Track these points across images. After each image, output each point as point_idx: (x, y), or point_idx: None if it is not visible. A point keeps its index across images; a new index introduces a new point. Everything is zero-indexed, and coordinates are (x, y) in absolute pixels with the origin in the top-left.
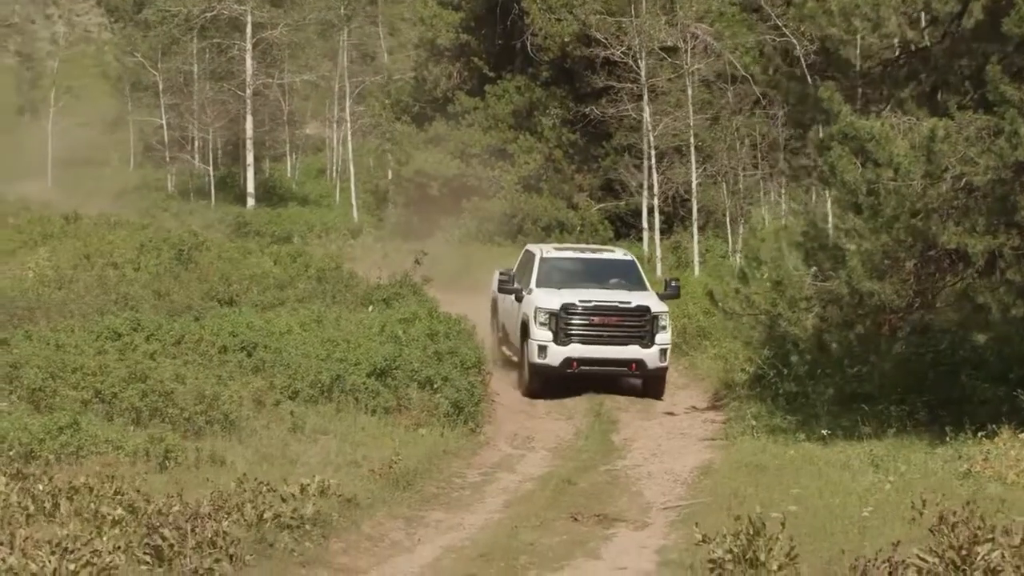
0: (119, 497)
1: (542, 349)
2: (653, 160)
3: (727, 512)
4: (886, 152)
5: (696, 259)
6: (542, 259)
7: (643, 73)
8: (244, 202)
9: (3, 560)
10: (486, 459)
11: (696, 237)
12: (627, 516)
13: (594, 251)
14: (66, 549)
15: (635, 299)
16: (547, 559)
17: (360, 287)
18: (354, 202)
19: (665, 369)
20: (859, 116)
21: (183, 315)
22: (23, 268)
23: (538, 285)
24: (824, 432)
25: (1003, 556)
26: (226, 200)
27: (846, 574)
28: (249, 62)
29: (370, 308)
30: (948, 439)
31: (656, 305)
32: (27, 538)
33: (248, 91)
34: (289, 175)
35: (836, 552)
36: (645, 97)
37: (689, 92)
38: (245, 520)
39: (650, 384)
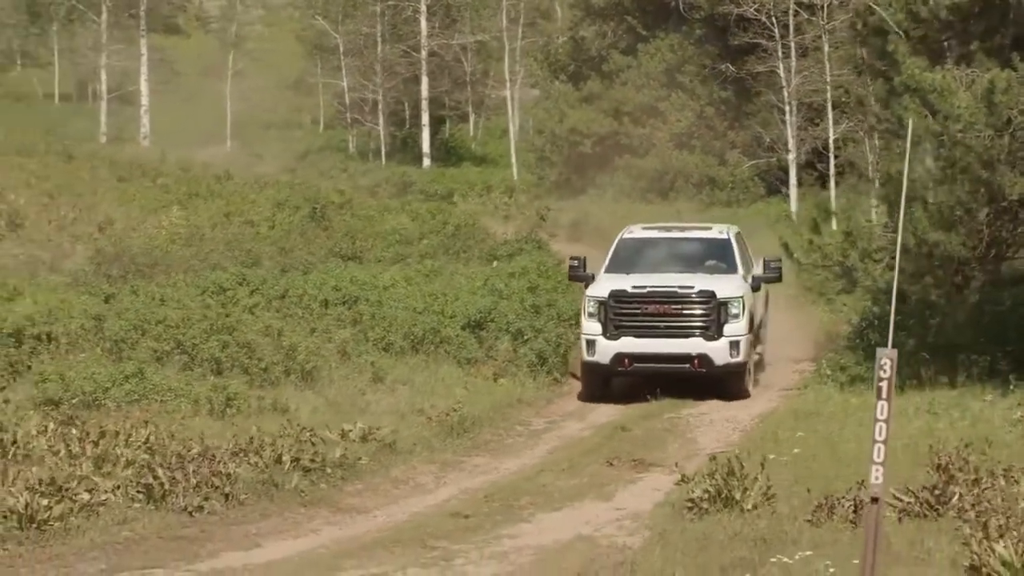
0: (148, 442)
1: (590, 344)
2: (793, 116)
3: (758, 457)
4: (948, 104)
5: (834, 216)
6: (620, 240)
7: (776, 30)
8: (421, 162)
9: None
10: (559, 408)
11: (833, 193)
12: (666, 461)
13: (683, 229)
14: (60, 487)
15: (702, 283)
16: (551, 500)
17: (487, 243)
18: (514, 161)
19: (741, 365)
20: (926, 69)
21: (301, 270)
22: (158, 227)
23: (608, 270)
24: (899, 382)
25: (960, 496)
26: (404, 161)
27: (813, 510)
28: (424, 23)
29: (494, 263)
30: (1012, 389)
31: (727, 289)
32: (18, 475)
33: (423, 52)
34: (472, 135)
35: (819, 492)
36: (779, 52)
37: (825, 48)
38: (262, 462)
39: (723, 383)
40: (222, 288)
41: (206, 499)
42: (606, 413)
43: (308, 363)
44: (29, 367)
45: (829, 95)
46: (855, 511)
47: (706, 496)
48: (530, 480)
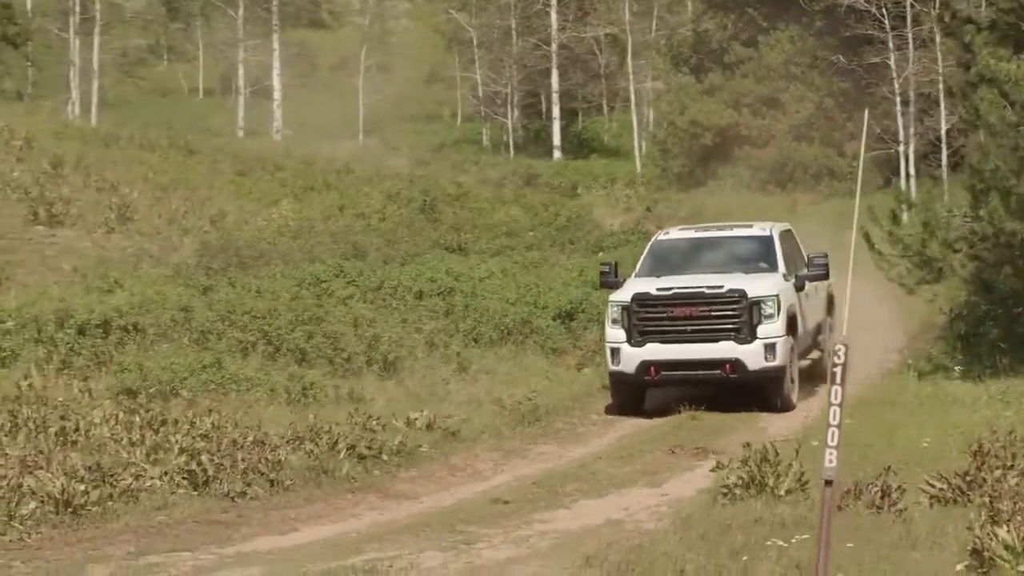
0: (207, 430)
1: (614, 353)
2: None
3: (814, 444)
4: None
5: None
6: (654, 242)
7: (888, 22)
8: (551, 155)
9: (19, 479)
10: None
11: (946, 183)
12: (728, 449)
13: (720, 228)
14: (105, 473)
15: (732, 282)
16: (598, 486)
17: (594, 234)
18: (637, 153)
19: (779, 369)
20: (1004, 59)
21: (399, 262)
22: (268, 220)
23: (639, 274)
24: (978, 372)
25: (993, 483)
26: (537, 153)
27: (842, 496)
28: (554, 16)
29: (599, 254)
30: None
31: (760, 288)
32: (64, 459)
33: (553, 45)
34: (607, 128)
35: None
36: (891, 44)
37: (937, 39)
38: (317, 449)
39: (761, 390)
40: (319, 280)
41: (248, 485)
42: (684, 401)
43: (391, 353)
44: (111, 358)
45: (941, 87)
46: (882, 497)
47: (739, 483)
48: (584, 467)
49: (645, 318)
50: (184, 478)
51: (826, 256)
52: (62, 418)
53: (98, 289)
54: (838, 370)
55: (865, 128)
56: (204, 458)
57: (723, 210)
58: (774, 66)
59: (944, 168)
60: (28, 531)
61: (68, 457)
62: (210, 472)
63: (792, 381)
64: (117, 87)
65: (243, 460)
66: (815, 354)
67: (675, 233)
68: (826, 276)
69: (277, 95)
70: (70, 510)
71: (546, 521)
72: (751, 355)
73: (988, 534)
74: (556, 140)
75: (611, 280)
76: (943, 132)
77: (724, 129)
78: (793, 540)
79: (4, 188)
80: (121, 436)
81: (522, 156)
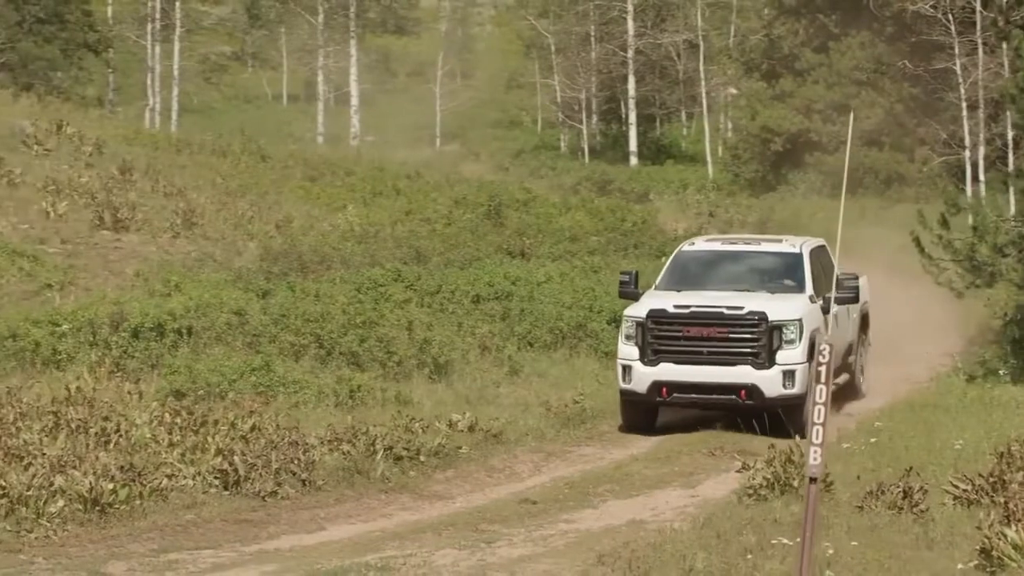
0: (246, 432)
1: (625, 371)
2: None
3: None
4: None
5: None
6: (678, 252)
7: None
8: (628, 161)
9: (50, 478)
10: None
11: (1012, 190)
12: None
13: (748, 242)
14: (138, 473)
15: (753, 303)
16: (631, 487)
17: (658, 239)
18: (709, 159)
19: (797, 398)
20: None
21: (459, 267)
22: (334, 224)
23: (659, 287)
24: None
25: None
26: (615, 159)
27: (864, 496)
28: (631, 23)
29: (662, 259)
30: None
31: (782, 311)
32: (96, 459)
33: (630, 51)
34: (686, 134)
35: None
36: (956, 50)
37: (1004, 45)
38: (355, 450)
39: (782, 417)
40: (377, 284)
41: (279, 485)
42: None
43: (441, 356)
44: (163, 360)
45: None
46: (904, 497)
47: (764, 483)
48: (620, 469)
49: (660, 336)
50: (216, 478)
51: (856, 277)
52: (104, 419)
53: (158, 293)
54: (822, 370)
55: (851, 129)
56: (236, 458)
57: (791, 216)
58: (844, 72)
59: (1011, 173)
60: (55, 529)
61: (100, 457)
62: (241, 472)
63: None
64: (202, 93)
65: (277, 460)
66: (842, 377)
67: (701, 244)
68: (855, 299)
69: (355, 101)
70: (98, 508)
71: (571, 521)
72: (768, 381)
73: (997, 534)
74: (632, 146)
75: (630, 291)
76: (1009, 138)
77: (795, 135)
78: (798, 539)
79: (72, 193)
80: (162, 437)
81: (599, 162)
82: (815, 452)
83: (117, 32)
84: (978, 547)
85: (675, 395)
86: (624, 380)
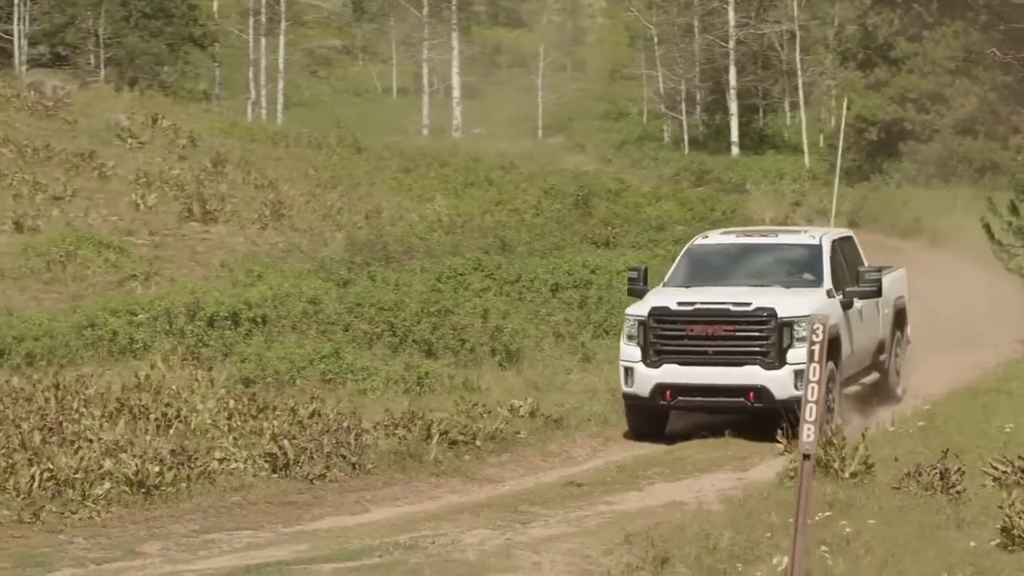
0: (302, 417)
1: (627, 373)
2: None
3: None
4: None
5: None
6: (690, 247)
7: None
8: (730, 151)
9: (100, 461)
10: None
11: None
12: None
13: (765, 234)
14: (189, 456)
15: (763, 299)
16: (681, 471)
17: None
18: (806, 148)
19: None
20: None
21: (541, 256)
22: (422, 215)
23: (669, 283)
24: None
25: None
26: (718, 149)
27: (901, 478)
28: (731, 13)
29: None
30: None
31: (794, 307)
32: (147, 444)
33: (731, 42)
34: (789, 124)
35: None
36: None
37: None
38: (410, 435)
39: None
40: (457, 273)
41: (328, 468)
42: None
43: (513, 344)
44: (236, 349)
45: None
46: (941, 478)
47: None
48: (673, 453)
49: (663, 335)
50: (266, 461)
51: (880, 271)
52: (166, 405)
53: (241, 283)
54: (816, 348)
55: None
56: (286, 442)
57: (881, 205)
58: (939, 61)
59: None
60: (99, 510)
61: (152, 442)
62: (291, 456)
63: (830, 410)
64: (312, 87)
65: (328, 445)
66: (871, 377)
67: (715, 238)
68: (876, 294)
69: (456, 93)
70: (143, 491)
71: (612, 503)
72: (778, 383)
73: (1019, 513)
74: (734, 136)
75: (639, 288)
76: None
77: (889, 124)
78: (817, 517)
79: (162, 186)
80: (222, 423)
81: (702, 152)
82: (808, 430)
83: (221, 26)
84: (999, 526)
85: (680, 398)
86: (626, 383)
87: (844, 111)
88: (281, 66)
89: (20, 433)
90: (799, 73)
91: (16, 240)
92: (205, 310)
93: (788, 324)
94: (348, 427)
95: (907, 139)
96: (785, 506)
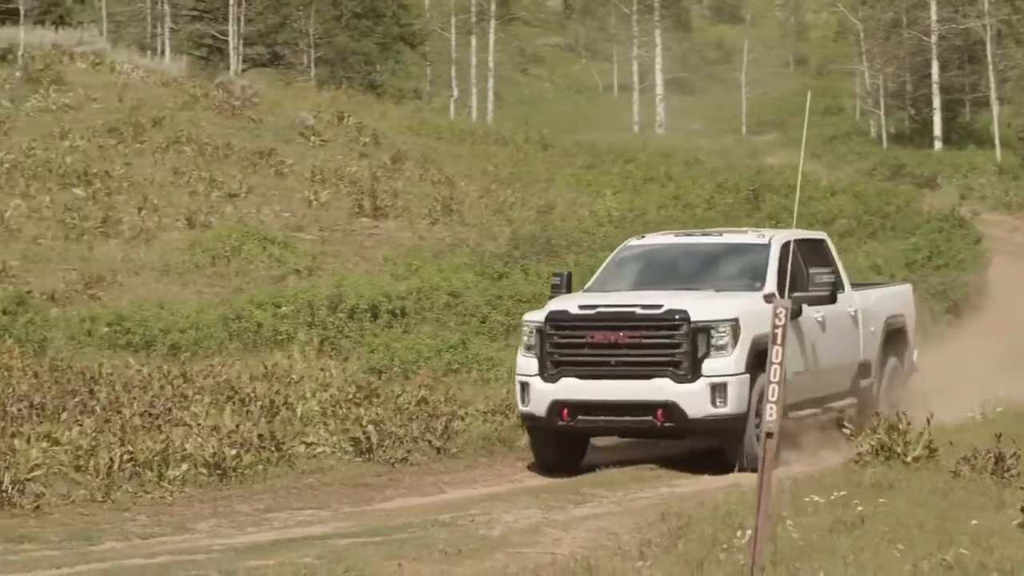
0: (419, 404)
1: (524, 388)
2: None
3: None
4: None
5: None
6: (620, 248)
7: None
8: (933, 146)
9: (179, 442)
10: None
11: None
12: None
13: (707, 234)
14: (277, 441)
15: (675, 301)
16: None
17: (913, 221)
18: (997, 143)
19: (732, 419)
20: None
21: None
22: (593, 210)
23: (591, 288)
24: None
25: None
26: (922, 144)
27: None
28: (933, 8)
29: (911, 239)
30: None
31: (711, 310)
32: (235, 428)
33: (933, 36)
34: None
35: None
36: None
37: None
38: (508, 422)
39: (725, 444)
40: None
41: (409, 452)
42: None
43: None
44: (372, 339)
45: None
46: (996, 463)
47: (870, 450)
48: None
49: (560, 344)
50: (351, 445)
51: (832, 272)
52: (276, 393)
53: (399, 276)
54: (779, 331)
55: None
56: (371, 427)
57: None
58: None
59: None
60: (173, 491)
61: (251, 427)
62: (374, 440)
63: (770, 435)
64: (533, 84)
65: (417, 430)
66: (847, 402)
67: (650, 239)
68: (830, 300)
69: (659, 90)
70: (219, 472)
71: (675, 486)
72: (691, 398)
73: None
74: (937, 131)
75: (561, 296)
76: None
77: None
78: (832, 496)
79: (337, 182)
80: (328, 410)
81: (907, 147)
82: (771, 409)
83: (427, 25)
84: (1020, 506)
85: (579, 418)
86: (522, 401)
87: None
88: (491, 64)
89: (120, 418)
90: (989, 67)
91: (186, 236)
92: (346, 302)
93: (704, 330)
94: (439, 413)
95: None
96: (822, 489)
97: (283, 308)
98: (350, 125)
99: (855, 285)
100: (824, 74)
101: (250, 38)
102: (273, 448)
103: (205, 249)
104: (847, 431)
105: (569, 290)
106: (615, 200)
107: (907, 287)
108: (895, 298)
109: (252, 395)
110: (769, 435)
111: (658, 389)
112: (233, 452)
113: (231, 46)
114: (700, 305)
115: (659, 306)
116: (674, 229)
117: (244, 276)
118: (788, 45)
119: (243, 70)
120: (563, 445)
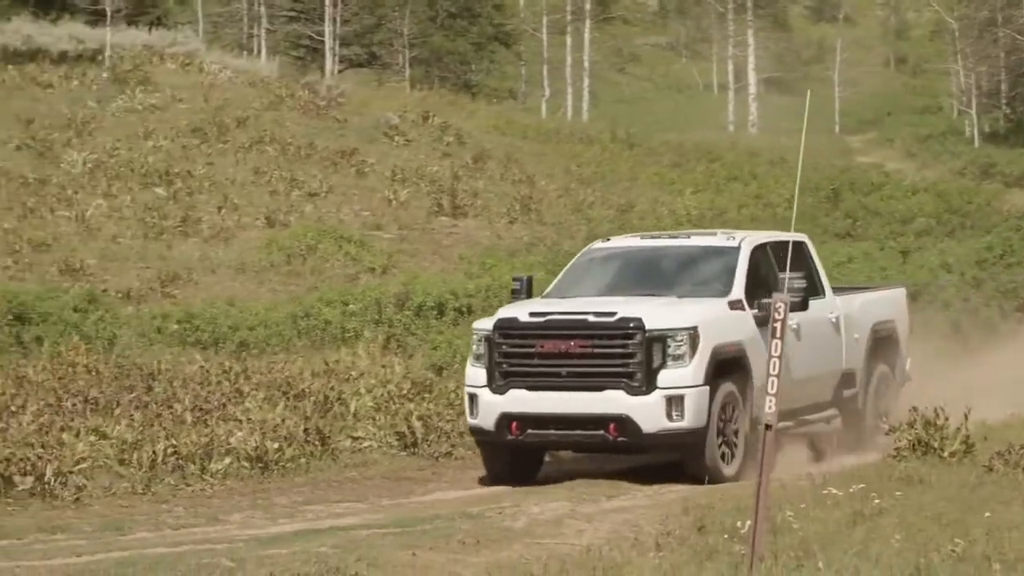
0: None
1: (472, 400)
2: None
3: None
4: None
5: None
6: (582, 252)
7: None
8: None
9: (224, 436)
10: None
11: None
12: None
13: (675, 237)
14: (324, 437)
15: (630, 308)
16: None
17: (992, 219)
18: None
19: (691, 433)
20: None
21: None
22: (672, 209)
23: (549, 293)
24: None
25: None
26: (1017, 143)
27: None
28: None
29: (987, 238)
30: None
31: (668, 317)
32: (282, 421)
33: None
34: None
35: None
36: None
37: None
38: None
39: (685, 459)
40: None
41: (453, 447)
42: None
43: None
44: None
45: None
46: None
47: (908, 445)
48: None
49: (509, 354)
50: (397, 440)
51: (805, 277)
52: (330, 389)
53: (473, 275)
54: (778, 325)
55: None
56: (416, 422)
57: None
58: None
59: None
60: (214, 484)
61: (300, 423)
62: (419, 435)
63: (769, 428)
64: (633, 84)
65: (464, 425)
66: (829, 413)
67: (615, 242)
68: (800, 307)
69: (752, 89)
70: (261, 465)
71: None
72: (646, 412)
73: None
74: None
75: (518, 301)
76: None
77: None
78: (851, 489)
79: (418, 182)
80: (382, 406)
81: (1002, 146)
82: (770, 402)
83: (520, 25)
84: None
85: (529, 432)
86: (471, 413)
87: None
88: (586, 63)
89: (172, 412)
90: None
91: (264, 235)
92: (413, 300)
93: (659, 339)
94: None
95: None
96: (857, 481)
97: (351, 306)
98: (434, 125)
99: (842, 289)
100: (919, 73)
101: (346, 38)
102: (318, 442)
103: (281, 248)
104: (812, 454)
105: (529, 295)
106: (695, 199)
107: (899, 291)
108: (884, 303)
109: (307, 391)
110: (768, 427)
111: (611, 402)
112: (276, 446)
113: (327, 47)
114: (656, 313)
115: (613, 313)
116: (709, 228)
117: (319, 274)
118: (888, 44)
119: (340, 71)
120: (515, 459)
